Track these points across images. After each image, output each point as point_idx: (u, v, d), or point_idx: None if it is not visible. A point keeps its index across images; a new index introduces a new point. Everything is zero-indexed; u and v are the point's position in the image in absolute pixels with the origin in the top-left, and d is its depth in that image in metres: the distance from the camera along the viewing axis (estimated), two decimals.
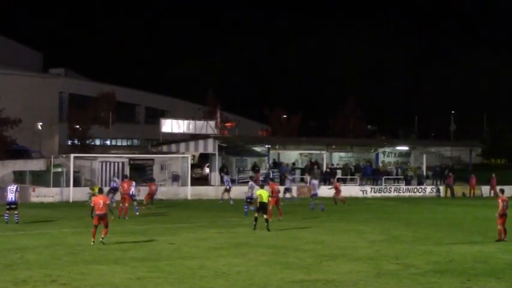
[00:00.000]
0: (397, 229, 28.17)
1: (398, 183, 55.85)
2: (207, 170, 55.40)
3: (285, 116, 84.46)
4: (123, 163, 48.19)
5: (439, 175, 57.16)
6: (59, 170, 46.23)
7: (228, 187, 42.62)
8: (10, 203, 29.26)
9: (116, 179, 42.07)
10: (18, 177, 47.33)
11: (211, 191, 47.71)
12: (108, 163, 48.05)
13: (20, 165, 50.41)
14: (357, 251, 21.45)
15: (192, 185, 47.96)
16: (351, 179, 55.43)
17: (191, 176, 49.58)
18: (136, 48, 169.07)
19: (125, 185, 33.80)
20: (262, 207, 27.08)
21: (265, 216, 26.89)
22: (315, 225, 29.51)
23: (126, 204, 32.77)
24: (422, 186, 54.98)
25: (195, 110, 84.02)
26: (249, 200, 33.84)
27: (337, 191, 43.09)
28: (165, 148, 55.60)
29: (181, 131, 65.15)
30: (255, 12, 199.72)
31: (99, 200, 22.58)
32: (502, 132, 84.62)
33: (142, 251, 20.87)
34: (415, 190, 54.28)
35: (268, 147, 53.95)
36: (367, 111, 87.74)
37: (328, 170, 54.32)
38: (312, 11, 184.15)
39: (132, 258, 19.51)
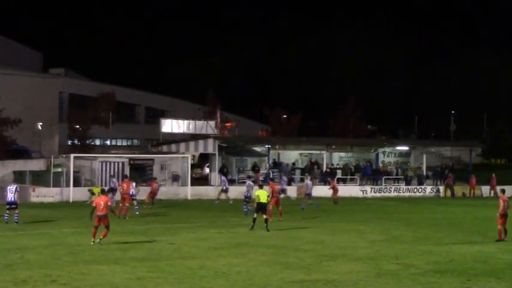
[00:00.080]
0: (397, 229, 28.17)
1: (398, 183, 55.86)
2: (207, 170, 55.39)
3: (285, 116, 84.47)
4: (123, 163, 48.19)
5: (439, 175, 57.18)
6: (59, 170, 46.24)
7: (224, 187, 42.61)
8: (10, 203, 29.24)
9: (114, 179, 42.11)
10: (18, 177, 47.35)
11: (211, 191, 47.67)
12: (108, 163, 48.06)
13: (20, 165, 50.43)
14: (357, 251, 21.45)
15: (192, 185, 47.96)
16: (351, 179, 55.42)
17: (191, 176, 49.58)
18: (136, 48, 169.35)
19: (125, 185, 33.84)
20: (261, 208, 27.01)
21: (264, 216, 26.85)
22: (315, 225, 29.51)
23: (127, 204, 32.80)
24: (423, 186, 54.99)
25: (195, 110, 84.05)
26: (247, 200, 33.87)
27: (335, 190, 43.08)
28: (165, 148, 55.62)
29: (181, 131, 65.18)
30: (255, 12, 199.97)
31: (100, 201, 22.62)
32: (502, 132, 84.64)
33: (142, 251, 20.87)
34: (415, 190, 54.28)
35: (268, 147, 53.96)
36: (367, 111, 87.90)
37: (328, 170, 54.32)
38: (312, 11, 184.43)
39: (132, 258, 19.51)
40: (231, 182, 49.49)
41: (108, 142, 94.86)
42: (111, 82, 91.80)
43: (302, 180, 52.78)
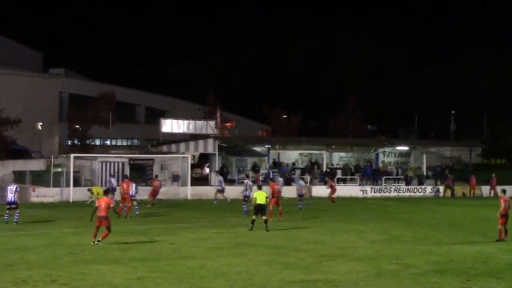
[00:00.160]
0: (397, 229, 28.16)
1: (398, 183, 55.88)
2: (207, 170, 55.39)
3: (285, 116, 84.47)
4: (123, 163, 48.21)
5: (439, 175, 57.18)
6: (59, 170, 46.25)
7: (220, 188, 42.60)
8: (10, 203, 29.22)
9: (112, 179, 42.07)
10: (18, 177, 47.34)
11: (211, 191, 47.54)
12: (108, 163, 48.08)
13: (20, 165, 50.43)
14: (357, 251, 21.44)
15: (192, 185, 47.97)
16: (351, 179, 55.42)
17: (191, 176, 49.57)
18: (136, 48, 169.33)
19: (125, 185, 33.79)
20: (259, 210, 26.81)
21: (264, 217, 26.78)
22: (315, 225, 29.51)
23: (128, 204, 32.78)
24: (423, 186, 54.99)
25: (195, 110, 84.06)
26: (246, 199, 33.84)
27: (332, 189, 43.07)
28: (165, 148, 55.63)
29: (181, 131, 65.19)
30: (255, 12, 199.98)
31: (102, 202, 22.65)
32: (502, 132, 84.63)
33: (142, 251, 20.87)
34: (415, 190, 54.30)
35: (268, 147, 53.95)
36: (367, 111, 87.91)
37: (328, 170, 54.31)
38: (312, 11, 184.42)
39: (132, 258, 19.50)
40: (231, 182, 49.53)
41: (108, 142, 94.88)
42: (111, 82, 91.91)
43: (302, 180, 52.78)
